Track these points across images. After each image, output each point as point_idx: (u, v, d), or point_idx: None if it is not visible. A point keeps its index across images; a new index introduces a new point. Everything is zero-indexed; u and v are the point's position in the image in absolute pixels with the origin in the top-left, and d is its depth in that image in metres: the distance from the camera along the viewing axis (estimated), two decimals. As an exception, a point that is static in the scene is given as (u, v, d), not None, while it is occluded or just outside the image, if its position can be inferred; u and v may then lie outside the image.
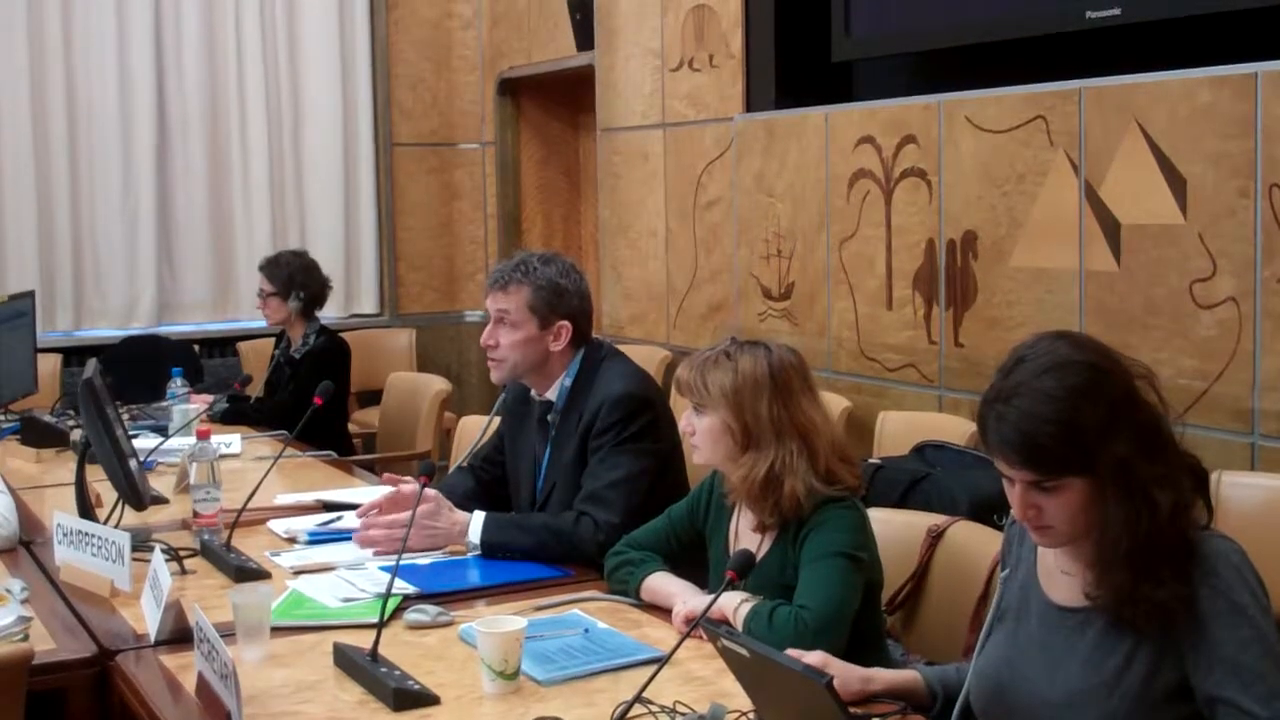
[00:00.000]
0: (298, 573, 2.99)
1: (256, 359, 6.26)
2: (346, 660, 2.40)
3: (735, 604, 2.50)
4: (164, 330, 7.09)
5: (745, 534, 2.67)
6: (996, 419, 1.94)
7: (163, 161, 7.13)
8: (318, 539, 3.27)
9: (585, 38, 6.57)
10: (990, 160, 4.23)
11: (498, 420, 3.59)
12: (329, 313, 5.71)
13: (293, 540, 3.28)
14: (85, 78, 6.97)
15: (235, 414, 5.06)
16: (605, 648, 2.47)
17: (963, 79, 4.44)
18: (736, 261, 5.48)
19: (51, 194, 6.93)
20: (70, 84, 6.94)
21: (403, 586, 2.75)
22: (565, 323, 3.23)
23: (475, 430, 4.01)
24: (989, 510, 3.27)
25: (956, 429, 4.09)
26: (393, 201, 7.63)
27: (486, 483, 3.50)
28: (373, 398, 6.27)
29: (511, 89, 7.51)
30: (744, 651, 1.94)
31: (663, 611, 2.65)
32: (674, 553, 2.81)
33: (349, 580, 2.86)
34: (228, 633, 2.37)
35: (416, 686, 2.27)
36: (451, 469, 3.76)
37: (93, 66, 6.98)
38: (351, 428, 5.93)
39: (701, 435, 2.64)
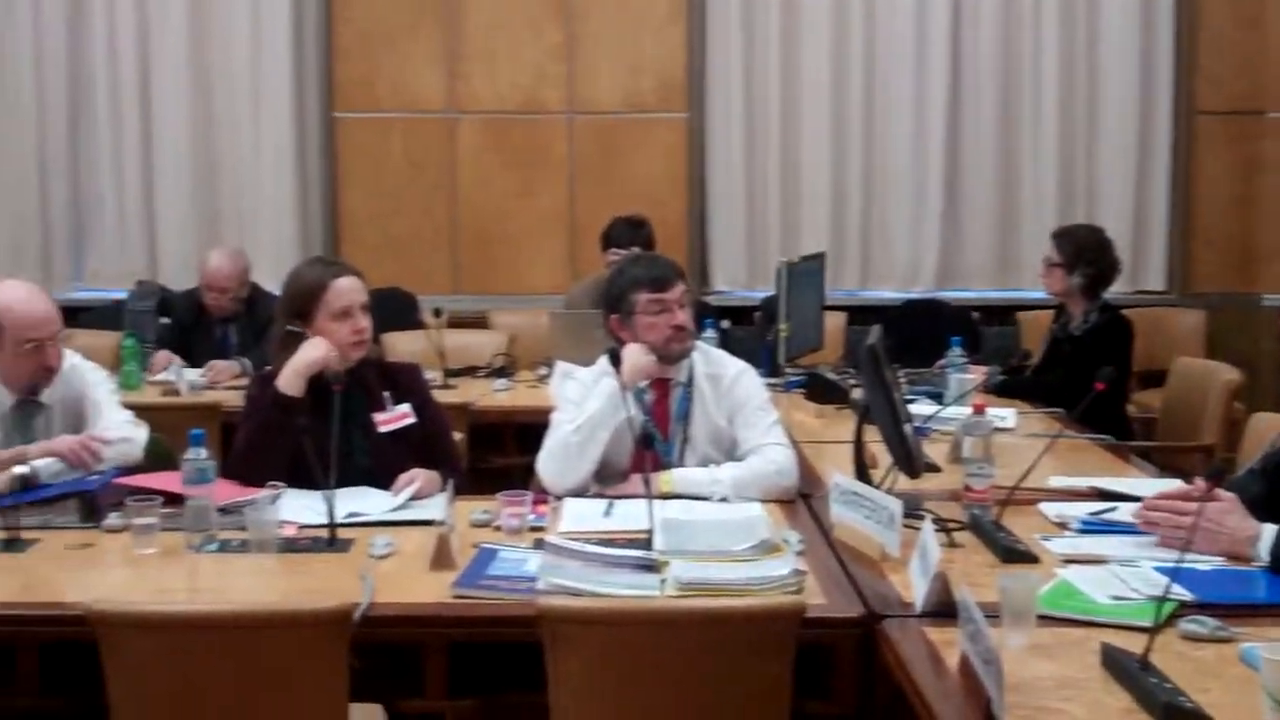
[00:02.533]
0: (1067, 561, 2.90)
1: (1033, 331, 6.18)
2: (1115, 663, 2.29)
3: None
4: (943, 296, 7.21)
5: None
6: None
7: (953, 129, 7.23)
8: (1090, 528, 3.16)
9: None
10: None
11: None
12: (1113, 288, 5.48)
13: (1063, 526, 3.19)
14: (886, 42, 7.20)
15: (1011, 387, 5.02)
16: None
17: None
18: None
19: (846, 159, 7.23)
20: (869, 49, 7.19)
21: (1179, 592, 2.56)
22: None
23: (1266, 429, 3.71)
24: None
25: None
26: (1189, 172, 7.22)
27: (1281, 489, 3.18)
28: (1156, 379, 5.97)
29: (1334, 51, 6.82)
30: None
31: None
32: None
33: (1121, 577, 2.72)
34: (991, 614, 2.32)
35: (1189, 705, 2.12)
36: (1241, 470, 3.47)
37: (894, 30, 7.18)
38: (1130, 409, 5.68)
39: None
